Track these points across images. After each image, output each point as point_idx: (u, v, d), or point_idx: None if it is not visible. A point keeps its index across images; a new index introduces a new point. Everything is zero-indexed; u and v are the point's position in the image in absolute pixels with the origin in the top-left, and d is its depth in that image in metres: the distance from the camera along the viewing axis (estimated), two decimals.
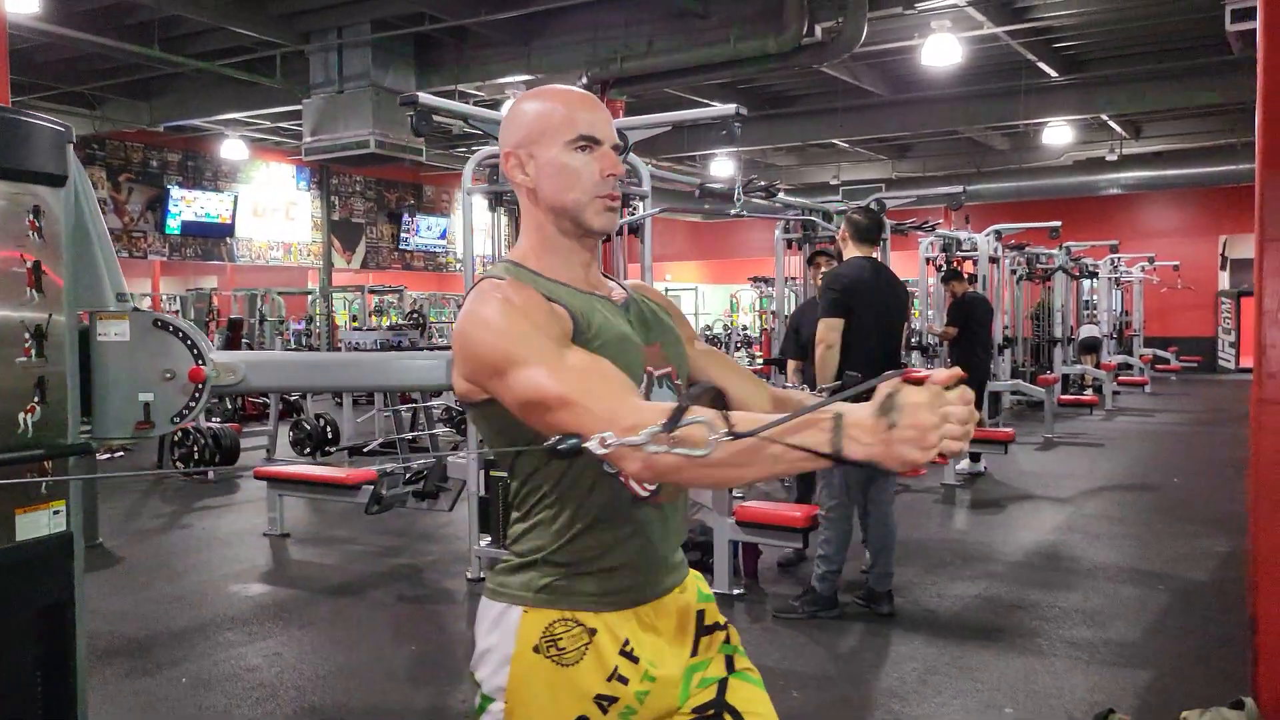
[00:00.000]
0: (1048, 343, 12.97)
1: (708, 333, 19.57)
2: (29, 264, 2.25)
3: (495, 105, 10.64)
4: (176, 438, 8.11)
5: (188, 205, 15.08)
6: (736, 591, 4.82)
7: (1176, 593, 4.89)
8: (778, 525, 4.74)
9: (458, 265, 19.50)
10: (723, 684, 1.49)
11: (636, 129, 4.99)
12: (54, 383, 2.31)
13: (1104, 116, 13.37)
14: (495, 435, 1.44)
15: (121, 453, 9.38)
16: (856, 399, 1.11)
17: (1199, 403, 13.89)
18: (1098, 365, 13.63)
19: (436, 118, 4.62)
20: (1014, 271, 11.90)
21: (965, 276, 8.74)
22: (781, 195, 7.39)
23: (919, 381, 1.06)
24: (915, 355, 8.48)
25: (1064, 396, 12.03)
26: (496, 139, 4.66)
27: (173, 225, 14.87)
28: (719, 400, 1.11)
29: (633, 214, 5.24)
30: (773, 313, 10.47)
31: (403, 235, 18.60)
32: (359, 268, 18.00)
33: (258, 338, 13.72)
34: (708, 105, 10.46)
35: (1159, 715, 3.38)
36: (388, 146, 9.93)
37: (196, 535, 6.41)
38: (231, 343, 11.41)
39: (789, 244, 8.08)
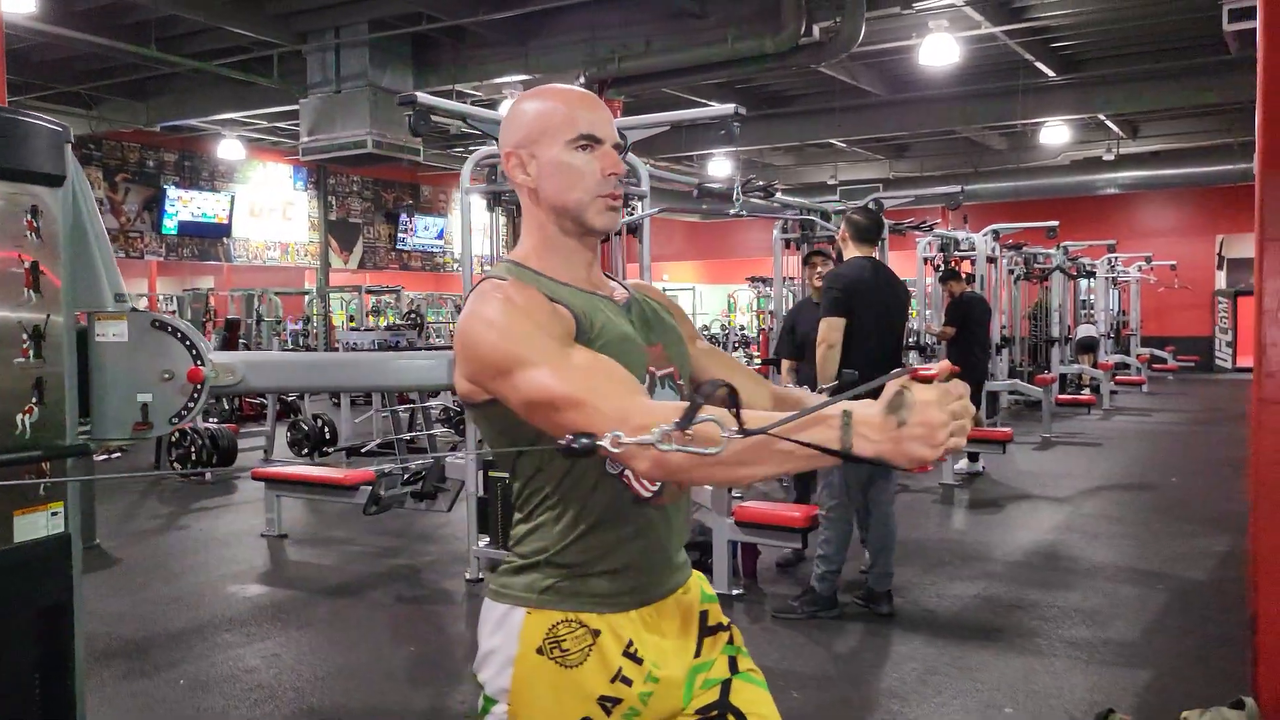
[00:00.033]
0: (1045, 342, 12.98)
1: (705, 333, 19.58)
2: (27, 264, 2.24)
3: (493, 105, 10.64)
4: (174, 438, 8.09)
5: (184, 205, 15.07)
6: (735, 592, 4.82)
7: (1175, 592, 4.89)
8: (777, 525, 4.74)
9: (455, 265, 19.49)
10: (726, 685, 1.49)
11: (635, 129, 4.99)
12: (52, 383, 2.30)
13: (1101, 116, 13.40)
14: (497, 436, 1.43)
15: (119, 453, 9.36)
16: (859, 396, 1.11)
17: (1196, 402, 13.90)
18: (1095, 365, 13.64)
19: (435, 117, 4.62)
20: (1011, 271, 11.91)
21: (963, 276, 8.75)
22: (780, 195, 7.39)
23: (927, 379, 1.06)
24: (913, 355, 8.48)
25: (1061, 396, 12.05)
26: (495, 139, 4.67)
27: (169, 225, 14.85)
28: (733, 398, 1.10)
29: (631, 214, 5.24)
30: (770, 313, 10.48)
31: (400, 235, 18.60)
32: (356, 268, 17.99)
33: (255, 338, 13.71)
34: (705, 105, 10.47)
35: (1159, 715, 3.37)
36: (385, 146, 9.93)
37: (194, 536, 6.39)
38: (228, 343, 11.40)
39: (787, 244, 8.08)
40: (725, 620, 1.55)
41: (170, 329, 2.53)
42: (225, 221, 15.63)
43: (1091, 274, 14.68)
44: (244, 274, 16.61)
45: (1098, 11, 10.03)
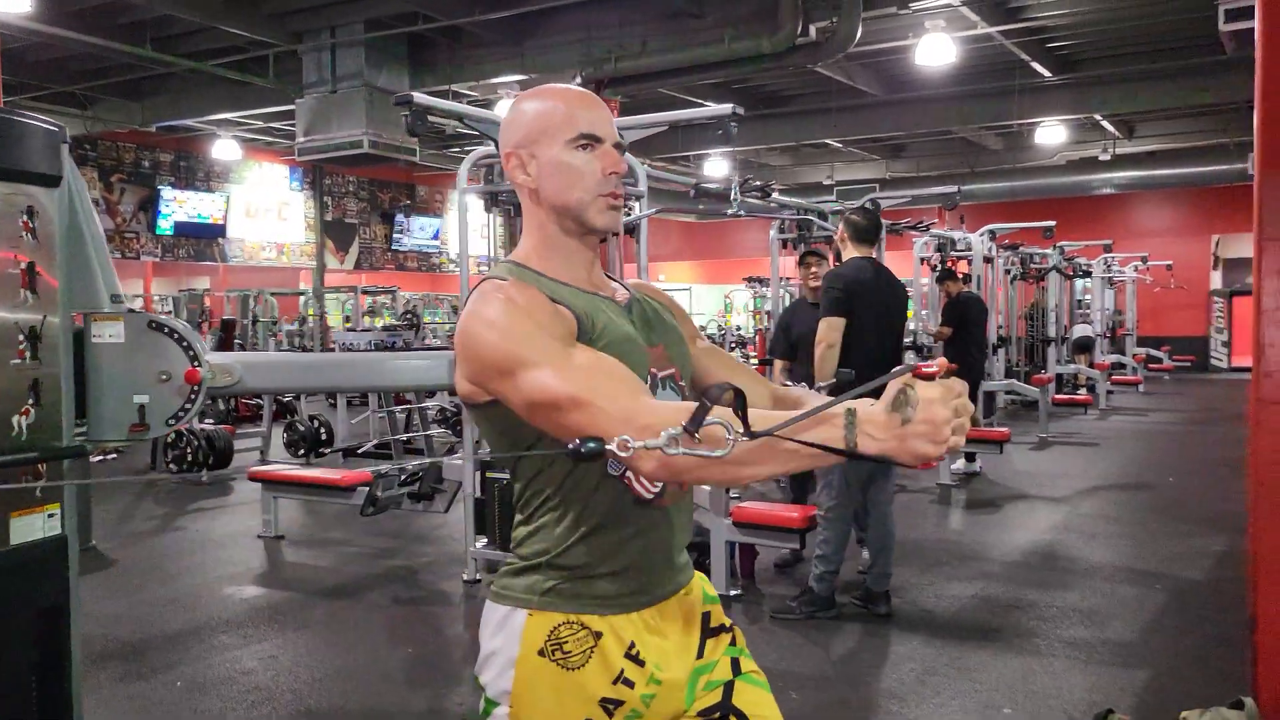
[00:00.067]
0: (1041, 342, 12.99)
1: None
2: (23, 265, 2.23)
3: (489, 105, 10.62)
4: (169, 439, 8.08)
5: (180, 206, 15.04)
6: (733, 592, 4.81)
7: (1173, 592, 4.89)
8: (775, 526, 4.73)
9: (451, 266, 19.47)
10: (729, 687, 1.48)
11: (632, 129, 4.98)
12: (48, 385, 2.29)
13: (1097, 116, 13.42)
14: (498, 437, 1.43)
15: (114, 454, 9.33)
16: (862, 395, 1.11)
17: (1192, 402, 13.92)
18: (1091, 365, 13.66)
19: (432, 117, 4.60)
20: (1008, 271, 11.91)
21: (959, 276, 8.75)
22: (777, 195, 7.39)
23: (929, 377, 1.06)
24: (910, 355, 8.47)
25: (1058, 396, 12.06)
26: (491, 139, 4.66)
27: (165, 226, 14.82)
28: (740, 402, 1.10)
29: (629, 214, 5.23)
30: (767, 313, 10.47)
31: (396, 236, 18.57)
32: (352, 268, 17.96)
33: (250, 339, 13.67)
34: (701, 105, 10.47)
35: (1158, 715, 3.37)
36: (381, 146, 9.92)
37: (190, 537, 6.37)
38: (224, 344, 11.36)
39: (784, 244, 8.07)
40: (728, 622, 1.55)
41: (167, 330, 2.53)
42: (221, 222, 15.61)
43: (1087, 274, 14.70)
44: (239, 274, 16.58)
45: (1094, 12, 10.04)
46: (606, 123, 1.46)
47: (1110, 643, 4.15)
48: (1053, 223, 11.07)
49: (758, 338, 16.30)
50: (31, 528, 2.25)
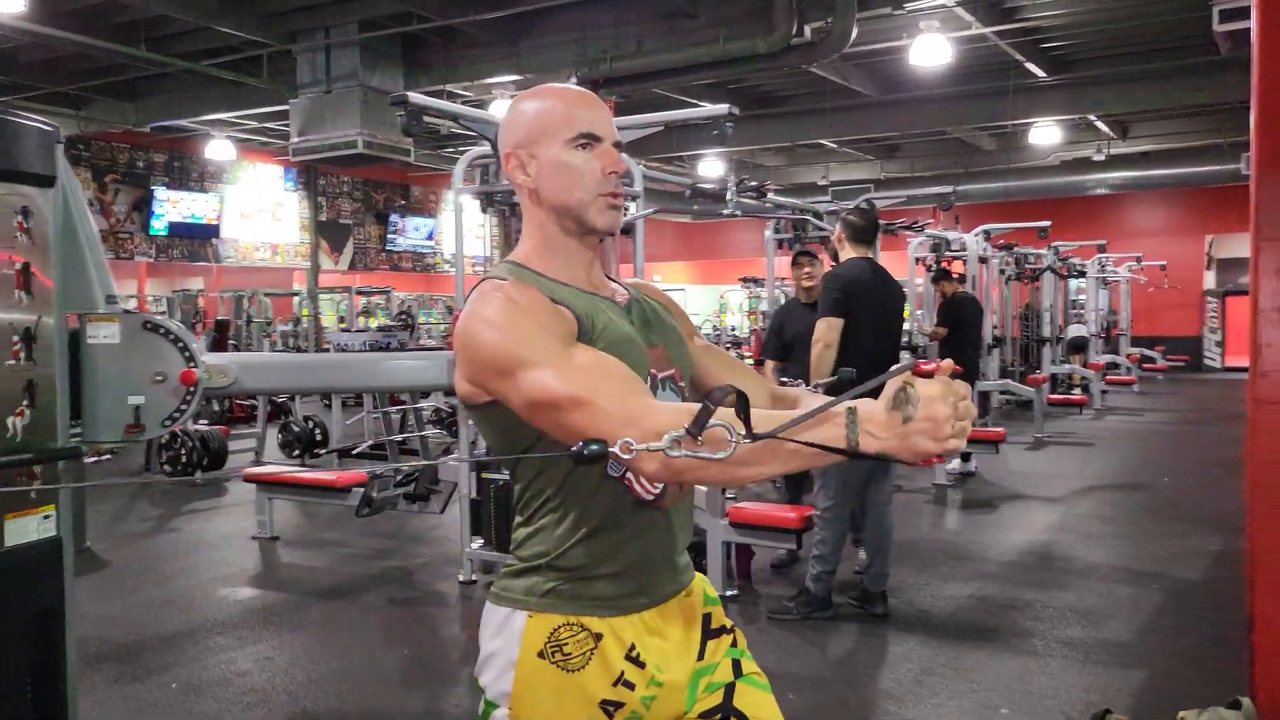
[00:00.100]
0: (1036, 342, 13.01)
1: None
2: (17, 265, 2.22)
3: (484, 105, 10.61)
4: (164, 441, 8.05)
5: (174, 206, 14.99)
6: (730, 593, 4.81)
7: (1170, 592, 4.90)
8: (771, 526, 4.73)
9: (445, 266, 19.45)
10: (730, 688, 1.48)
11: (628, 129, 4.98)
12: (43, 386, 2.28)
13: (1091, 117, 13.44)
14: (498, 437, 1.42)
15: (109, 455, 9.30)
16: (861, 394, 1.11)
17: (1186, 402, 13.96)
18: (1085, 365, 13.68)
19: (427, 118, 4.60)
20: (1002, 271, 11.92)
21: (955, 276, 8.76)
22: (772, 195, 7.39)
23: (929, 374, 1.07)
24: (905, 355, 8.47)
25: (1053, 396, 12.08)
26: (486, 139, 4.66)
27: (158, 226, 14.77)
28: (743, 404, 1.10)
29: (625, 215, 5.22)
30: (762, 313, 10.47)
31: (390, 236, 18.54)
32: (346, 269, 17.93)
33: (245, 339, 13.65)
34: (696, 105, 10.47)
35: (1155, 715, 3.37)
36: (375, 147, 9.90)
37: (185, 539, 6.36)
38: (218, 344, 11.35)
39: (779, 244, 8.07)
40: (728, 623, 1.55)
41: (162, 331, 2.52)
42: (215, 222, 15.56)
43: (1082, 274, 14.72)
44: (234, 275, 16.54)
45: (1088, 12, 10.05)
46: (606, 122, 1.46)
47: (1107, 643, 4.16)
48: (1047, 223, 11.10)
49: (753, 338, 16.30)
50: (26, 529, 2.24)
